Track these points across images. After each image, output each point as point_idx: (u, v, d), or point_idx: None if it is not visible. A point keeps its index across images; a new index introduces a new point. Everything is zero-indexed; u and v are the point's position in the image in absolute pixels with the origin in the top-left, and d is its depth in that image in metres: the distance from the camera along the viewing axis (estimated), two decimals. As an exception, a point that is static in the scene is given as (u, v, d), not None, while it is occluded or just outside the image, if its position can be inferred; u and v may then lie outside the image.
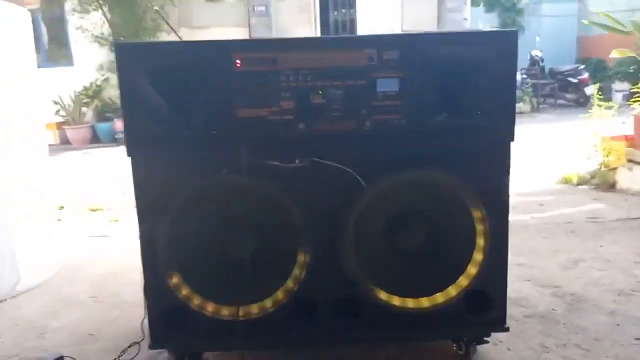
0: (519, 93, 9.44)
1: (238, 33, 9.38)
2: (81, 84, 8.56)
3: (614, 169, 3.63)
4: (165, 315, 1.38)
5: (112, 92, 8.74)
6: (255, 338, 1.39)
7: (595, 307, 1.85)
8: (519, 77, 9.87)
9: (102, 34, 8.27)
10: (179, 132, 1.31)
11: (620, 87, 9.72)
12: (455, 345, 1.56)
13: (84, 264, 2.54)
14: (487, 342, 1.51)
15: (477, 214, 1.35)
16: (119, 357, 1.58)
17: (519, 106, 9.26)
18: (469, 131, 1.35)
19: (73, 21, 8.33)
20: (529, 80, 10.25)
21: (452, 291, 1.39)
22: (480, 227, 1.36)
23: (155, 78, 1.28)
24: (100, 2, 7.83)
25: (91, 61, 8.54)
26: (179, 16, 9.02)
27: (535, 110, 9.71)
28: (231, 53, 1.28)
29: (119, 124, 8.14)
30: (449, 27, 9.71)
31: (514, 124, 1.35)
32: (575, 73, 10.12)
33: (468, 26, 10.15)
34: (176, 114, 1.30)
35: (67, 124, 8.38)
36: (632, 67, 9.22)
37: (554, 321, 1.76)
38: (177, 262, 1.34)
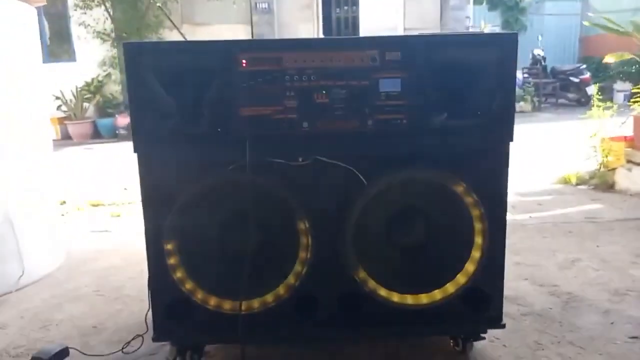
0: (520, 92, 9.45)
1: (240, 29, 9.40)
2: (83, 79, 8.58)
3: (613, 169, 3.65)
4: (168, 308, 1.41)
5: (114, 88, 8.78)
6: (256, 332, 1.42)
7: (591, 306, 1.88)
8: (520, 75, 9.89)
9: (104, 29, 8.28)
10: (184, 129, 1.34)
11: (622, 87, 9.74)
12: (452, 341, 1.59)
13: (86, 258, 2.57)
14: (484, 338, 1.54)
15: (475, 213, 1.38)
16: (122, 348, 1.61)
17: (520, 105, 9.27)
18: (469, 131, 1.37)
19: (75, 17, 8.34)
20: (530, 79, 10.26)
21: (450, 288, 1.41)
22: (478, 226, 1.39)
23: (162, 76, 1.31)
24: (103, -3, 7.85)
25: (93, 57, 8.56)
26: (181, 12, 9.04)
27: (537, 109, 9.72)
28: (237, 52, 1.31)
29: (120, 120, 8.18)
30: (451, 25, 9.71)
31: (512, 125, 1.37)
32: (577, 72, 10.13)
33: (470, 24, 10.16)
34: (182, 112, 1.33)
35: (68, 119, 8.40)
36: (633, 67, 9.23)
37: (549, 319, 1.79)
38: (180, 256, 1.37)
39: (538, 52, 10.57)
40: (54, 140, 3.21)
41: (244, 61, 1.31)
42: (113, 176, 4.75)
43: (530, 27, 11.81)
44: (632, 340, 1.63)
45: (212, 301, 1.40)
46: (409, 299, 1.42)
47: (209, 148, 1.35)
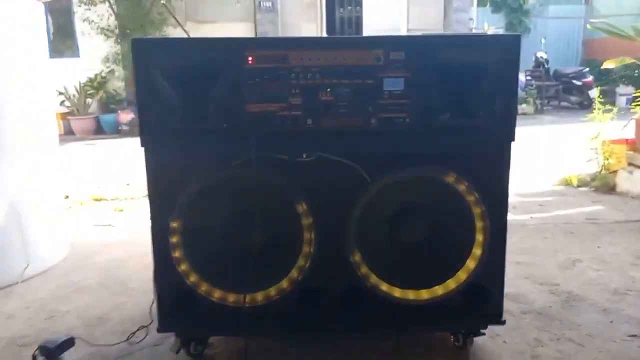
0: (522, 94, 9.44)
1: (244, 28, 9.43)
2: (86, 75, 8.61)
3: (614, 171, 3.66)
4: (173, 300, 1.43)
5: (117, 84, 8.80)
6: (259, 324, 1.43)
7: (590, 305, 1.90)
8: (523, 78, 9.88)
9: (108, 26, 8.30)
10: (191, 124, 1.36)
11: (624, 91, 9.73)
12: (452, 336, 1.61)
13: (90, 252, 2.60)
14: (484, 334, 1.56)
15: (477, 211, 1.40)
16: (127, 339, 1.63)
17: (523, 107, 9.26)
18: (471, 130, 1.39)
19: (79, 13, 8.36)
20: (533, 82, 10.25)
21: (451, 284, 1.43)
22: (479, 223, 1.41)
23: (170, 72, 1.33)
24: (107, -7, 7.87)
25: (96, 53, 8.58)
26: (185, 10, 9.06)
27: (539, 111, 9.71)
28: (243, 50, 1.33)
29: (122, 116, 8.20)
30: (455, 27, 9.72)
31: (514, 125, 1.39)
32: (580, 75, 10.12)
33: (473, 26, 10.16)
34: (189, 108, 1.35)
35: (71, 114, 8.42)
36: (636, 71, 9.23)
37: (549, 317, 1.81)
38: (185, 250, 1.39)
39: (541, 54, 10.56)
40: (58, 135, 3.22)
41: (250, 58, 1.33)
42: (115, 171, 4.77)
43: (534, 30, 11.78)
44: (631, 339, 1.65)
45: (216, 294, 1.42)
46: (411, 295, 1.44)
47: (215, 143, 1.37)
